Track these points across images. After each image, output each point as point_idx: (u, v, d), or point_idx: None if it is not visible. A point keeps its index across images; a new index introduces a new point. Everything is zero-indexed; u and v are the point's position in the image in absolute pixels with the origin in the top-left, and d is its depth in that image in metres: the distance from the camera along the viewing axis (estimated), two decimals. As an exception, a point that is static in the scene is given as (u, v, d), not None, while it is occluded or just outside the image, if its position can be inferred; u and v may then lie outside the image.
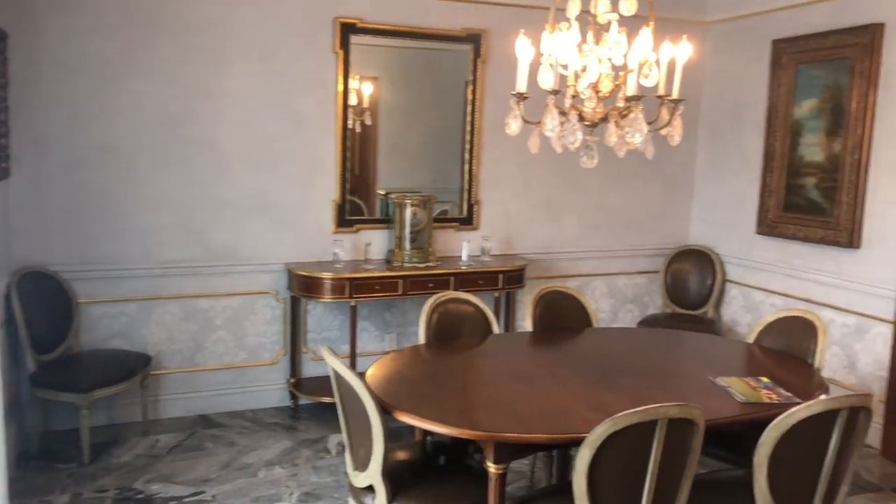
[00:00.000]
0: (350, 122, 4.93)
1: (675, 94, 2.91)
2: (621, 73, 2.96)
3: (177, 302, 4.68)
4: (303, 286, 4.66)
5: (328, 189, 4.93)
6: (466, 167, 5.27)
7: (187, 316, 4.72)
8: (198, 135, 4.59)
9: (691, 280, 5.75)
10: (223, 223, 4.72)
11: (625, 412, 2.29)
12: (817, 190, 4.87)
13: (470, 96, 5.19)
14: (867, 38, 4.47)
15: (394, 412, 2.68)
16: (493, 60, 5.15)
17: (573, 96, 2.95)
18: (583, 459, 2.33)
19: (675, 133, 2.93)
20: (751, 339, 3.77)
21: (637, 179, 5.76)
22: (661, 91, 2.92)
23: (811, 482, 2.56)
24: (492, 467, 2.57)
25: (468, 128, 5.21)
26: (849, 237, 4.64)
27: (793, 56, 5.01)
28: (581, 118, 2.95)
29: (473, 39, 5.12)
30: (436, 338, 3.65)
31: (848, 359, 4.67)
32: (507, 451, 2.59)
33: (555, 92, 2.82)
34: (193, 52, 4.51)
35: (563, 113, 2.89)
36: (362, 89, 5.01)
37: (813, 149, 4.89)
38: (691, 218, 6.02)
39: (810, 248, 4.95)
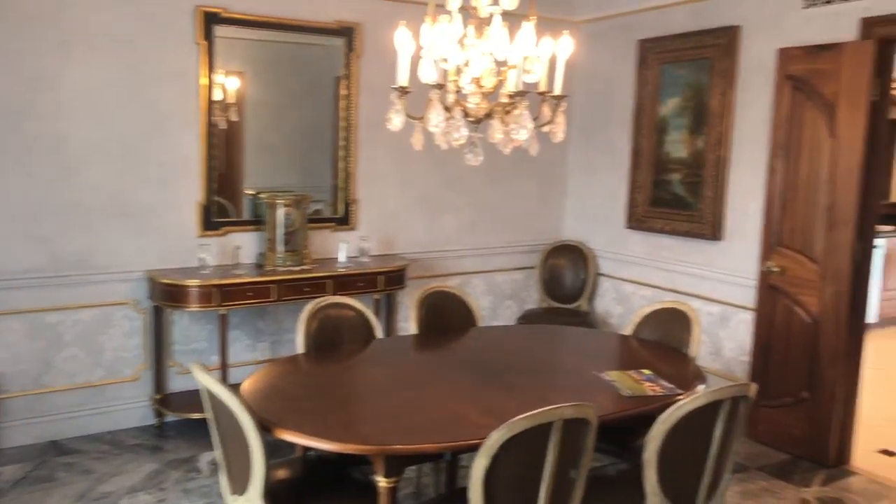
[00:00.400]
0: (215, 118, 4.61)
1: (557, 91, 2.88)
2: (503, 69, 2.90)
3: (20, 317, 4.20)
4: (166, 295, 4.31)
5: (192, 189, 4.60)
6: (342, 165, 5.08)
7: (33, 333, 4.25)
8: (41, 130, 4.14)
9: (566, 274, 5.85)
10: (74, 228, 4.29)
11: (520, 416, 2.22)
12: (682, 185, 5.07)
13: (344, 92, 5.00)
14: (726, 39, 4.69)
15: (274, 430, 2.48)
16: (369, 55, 5.00)
17: (456, 91, 2.86)
18: (479, 468, 2.24)
19: (559, 130, 2.90)
20: (629, 331, 3.85)
21: (513, 177, 5.79)
22: (543, 87, 2.89)
23: (697, 472, 2.61)
24: (382, 481, 2.44)
25: (343, 124, 5.03)
26: (712, 230, 4.85)
27: (658, 56, 5.19)
28: (465, 114, 2.86)
29: (346, 33, 4.94)
30: (316, 346, 3.46)
31: (714, 345, 4.89)
32: (398, 464, 2.47)
33: (439, 86, 2.71)
34: (32, 40, 4.05)
35: (446, 109, 2.79)
36: (227, 84, 4.70)
37: (678, 146, 5.09)
38: (565, 214, 6.13)
39: (677, 241, 5.14)
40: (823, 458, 4.20)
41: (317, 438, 2.44)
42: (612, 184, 5.67)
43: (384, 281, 4.86)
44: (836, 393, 4.15)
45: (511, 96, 2.86)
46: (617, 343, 3.84)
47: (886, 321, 7.49)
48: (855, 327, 4.15)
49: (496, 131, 2.83)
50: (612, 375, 3.10)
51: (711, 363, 4.90)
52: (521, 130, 2.71)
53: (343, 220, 5.15)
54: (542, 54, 2.85)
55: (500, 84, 2.94)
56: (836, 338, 4.11)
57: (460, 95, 2.89)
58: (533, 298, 6.03)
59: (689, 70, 4.97)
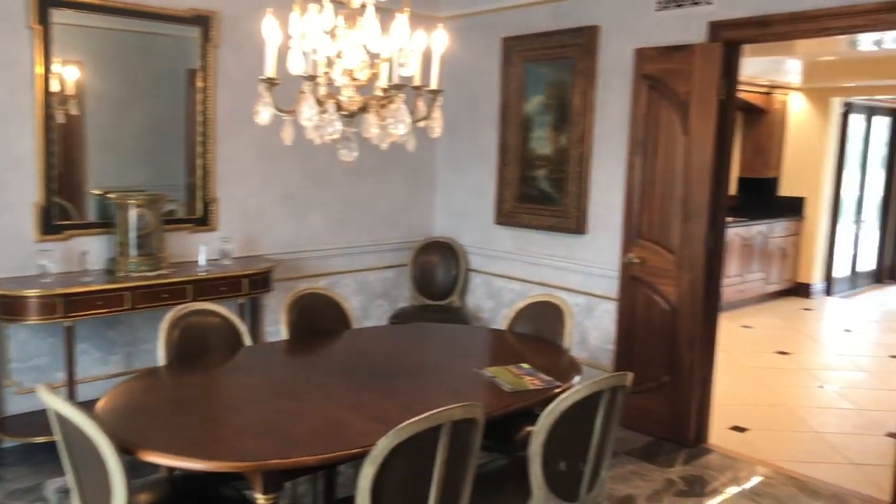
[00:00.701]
0: (52, 111, 4.19)
1: (433, 85, 2.82)
2: (377, 61, 2.81)
3: None
4: (0, 308, 3.87)
5: (28, 190, 4.15)
6: (200, 161, 4.78)
7: None
8: None
9: (438, 271, 5.84)
10: None
11: (409, 421, 2.14)
12: (548, 181, 5.18)
13: (200, 84, 4.70)
14: (585, 39, 4.84)
15: (138, 452, 2.26)
16: (227, 45, 4.73)
17: (328, 84, 2.74)
18: (366, 476, 2.14)
19: (436, 125, 2.84)
20: (504, 325, 3.87)
21: (381, 173, 5.70)
22: (418, 81, 2.82)
23: (580, 462, 2.64)
24: (261, 499, 2.28)
25: (200, 119, 4.73)
26: (577, 224, 5.00)
27: (521, 54, 5.27)
28: (339, 108, 2.74)
29: (202, 21, 4.64)
30: (179, 357, 3.21)
31: (580, 335, 5.04)
32: (278, 479, 2.32)
33: (311, 78, 2.57)
34: None
35: (319, 102, 2.66)
36: (66, 74, 4.28)
37: (543, 142, 5.20)
38: (435, 210, 6.12)
39: (544, 236, 5.26)
40: (684, 438, 4.43)
41: (187, 458, 2.25)
42: (480, 180, 5.71)
43: (249, 284, 4.63)
44: (694, 375, 4.39)
45: (386, 90, 2.77)
46: (493, 338, 3.85)
47: (728, 306, 8.07)
48: (709, 313, 4.41)
49: (372, 126, 2.73)
50: (492, 371, 3.09)
51: (578, 352, 5.03)
52: (399, 125, 2.63)
53: (202, 221, 4.85)
54: (416, 47, 2.78)
55: (373, 77, 2.85)
56: (693, 323, 4.35)
57: (333, 88, 2.77)
58: (405, 296, 5.98)
59: (551, 68, 5.09)
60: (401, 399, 2.78)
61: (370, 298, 5.80)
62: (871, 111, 9.62)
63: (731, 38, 4.17)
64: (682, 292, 4.37)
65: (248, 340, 3.46)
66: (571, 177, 5.01)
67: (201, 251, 4.60)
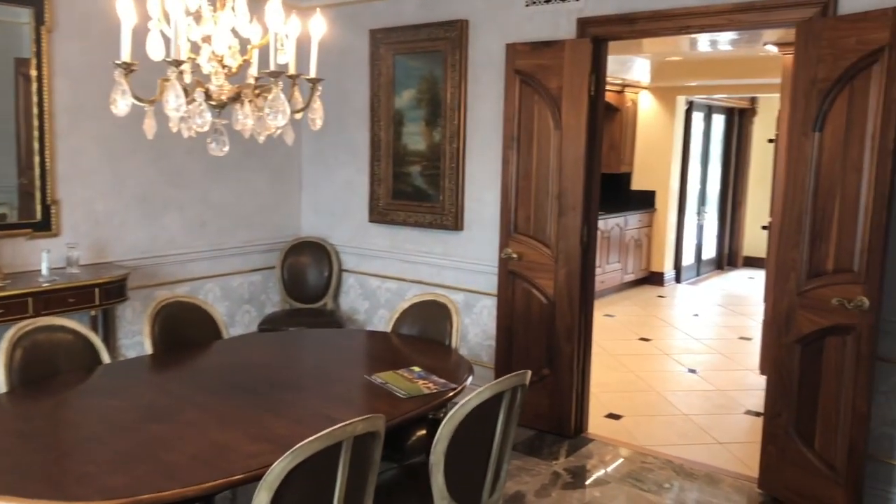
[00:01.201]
0: None
1: (312, 73, 2.63)
2: (249, 47, 2.58)
3: None
4: None
5: None
6: (38, 160, 4.26)
7: None
8: None
9: (309, 273, 5.59)
10: None
11: (307, 440, 1.95)
12: (422, 177, 5.09)
13: (34, 73, 4.19)
14: (455, 32, 4.77)
15: (-20, 499, 1.92)
16: (65, 29, 4.24)
17: (194, 71, 2.48)
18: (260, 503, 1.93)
19: (317, 116, 2.65)
20: (388, 327, 3.73)
21: (243, 171, 5.37)
22: (293, 69, 2.61)
23: (482, 467, 2.55)
24: (138, 539, 2.01)
25: (36, 112, 4.22)
26: (454, 220, 4.94)
27: (390, 47, 5.13)
28: (207, 97, 2.49)
29: (34, 3, 4.13)
30: (23, 381, 2.82)
31: (460, 332, 4.98)
32: (156, 514, 2.05)
33: (176, 63, 2.30)
34: None
35: (185, 91, 2.39)
36: None
37: (415, 138, 5.09)
38: (303, 209, 5.85)
39: (420, 233, 5.16)
40: (566, 429, 4.48)
41: (42, 501, 1.93)
42: (351, 177, 5.52)
43: (101, 294, 4.19)
44: (573, 367, 4.44)
45: (258, 78, 2.55)
46: (379, 342, 3.68)
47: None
48: (585, 304, 4.49)
49: (247, 117, 2.50)
50: (384, 377, 2.94)
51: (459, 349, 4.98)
52: (278, 115, 2.41)
53: (42, 226, 4.33)
54: (291, 33, 2.58)
55: (245, 65, 2.62)
56: (571, 315, 4.40)
57: (200, 76, 2.51)
58: (274, 301, 5.68)
59: (422, 62, 4.99)
60: (290, 414, 2.57)
61: (236, 304, 5.46)
62: (709, 109, 10.32)
63: (598, 35, 4.25)
64: (560, 285, 4.41)
65: (106, 357, 3.10)
66: (446, 173, 4.93)
67: (43, 259, 4.11)
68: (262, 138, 2.56)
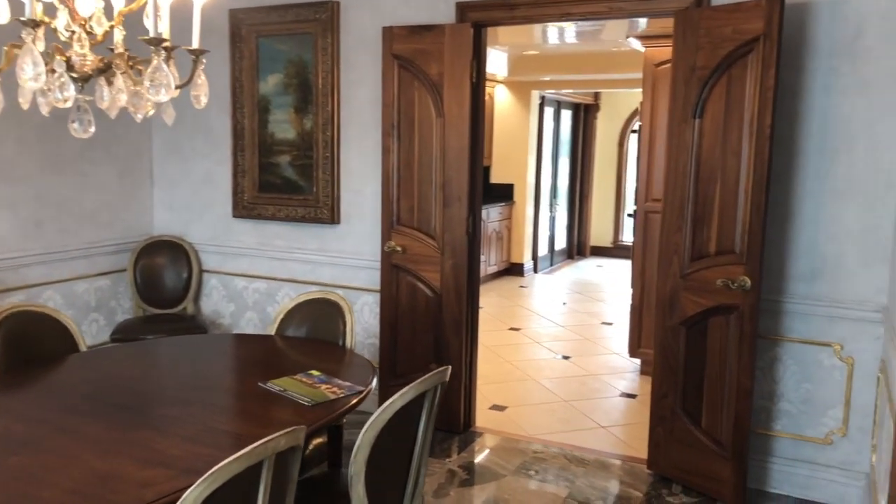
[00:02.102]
0: None
1: (195, 44, 2.31)
2: (120, 11, 2.22)
3: None
4: None
5: None
6: None
7: None
8: None
9: (165, 275, 5.09)
10: None
11: (225, 461, 1.67)
12: (293, 168, 4.77)
13: None
14: (325, 14, 4.51)
15: None
16: None
17: (48, 38, 2.09)
18: (168, 543, 1.63)
19: (202, 93, 2.33)
20: (271, 330, 3.43)
21: (85, 163, 4.78)
22: (170, 40, 2.28)
23: (404, 472, 2.36)
24: None
25: None
26: (329, 213, 4.67)
27: (253, 28, 4.77)
28: (69, 68, 2.11)
29: None
30: None
31: (354, 332, 4.73)
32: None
33: (34, 24, 1.92)
34: None
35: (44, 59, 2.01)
36: None
37: (284, 126, 4.76)
38: (155, 205, 5.33)
39: (292, 228, 4.84)
40: (455, 425, 4.37)
41: None
42: (211, 169, 5.09)
43: (-82, 307, 3.54)
44: (462, 361, 4.34)
45: (122, 53, 2.20)
46: (262, 346, 3.36)
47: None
48: (471, 296, 4.39)
49: (120, 91, 2.14)
50: (280, 384, 2.67)
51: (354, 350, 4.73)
52: (161, 90, 2.08)
53: None
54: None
55: (110, 32, 2.26)
56: (458, 308, 4.29)
57: (61, 43, 2.12)
58: (125, 307, 5.12)
59: (290, 45, 4.67)
60: (179, 431, 2.25)
61: (82, 313, 4.86)
62: (558, 105, 10.66)
63: (479, 20, 4.16)
64: (447, 278, 4.29)
65: (-64, 382, 2.59)
66: (320, 163, 4.66)
67: None
68: (139, 117, 2.21)
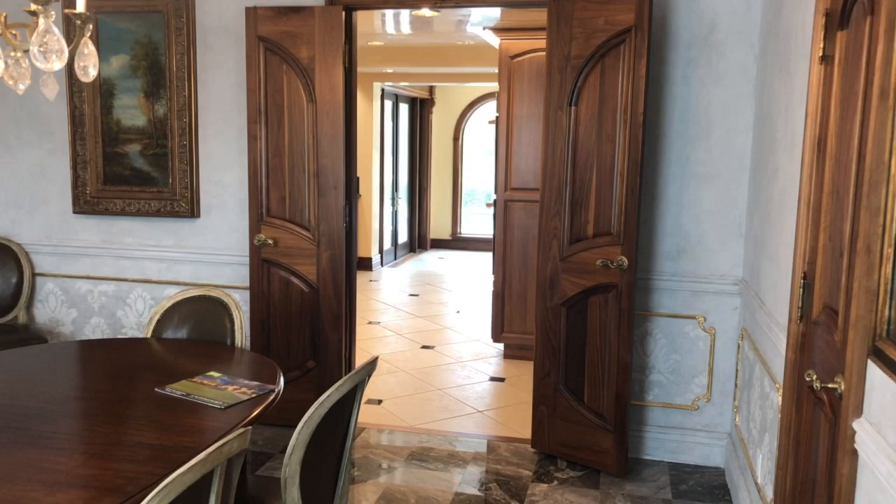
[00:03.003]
0: None
1: (81, 7, 2.03)
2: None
3: None
4: None
5: None
6: None
7: None
8: None
9: (-10, 281, 4.48)
10: None
11: (178, 472, 1.48)
12: (144, 158, 4.37)
13: None
14: (179, -8, 4.17)
15: None
16: None
17: None
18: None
19: (90, 63, 2.05)
20: (146, 332, 3.12)
21: None
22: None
23: (333, 471, 2.24)
24: None
25: None
26: (188, 206, 4.33)
27: (91, 3, 4.29)
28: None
29: None
30: None
31: (245, 329, 4.41)
32: None
33: None
34: None
35: None
36: None
37: (132, 112, 4.34)
38: (-28, 203, 4.66)
39: (145, 223, 4.44)
40: (336, 422, 4.23)
41: None
42: (42, 159, 4.53)
43: None
44: (341, 356, 4.20)
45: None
46: (140, 350, 3.04)
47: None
48: (349, 288, 4.27)
49: (-4, 57, 1.83)
50: (180, 388, 2.43)
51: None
52: (52, 56, 1.80)
53: None
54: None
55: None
56: (337, 302, 4.15)
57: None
58: (-59, 319, 4.44)
59: (136, 24, 4.26)
60: (82, 447, 1.97)
61: None
62: (396, 98, 10.67)
63: (349, 3, 4.04)
64: (323, 271, 4.13)
65: None
66: (176, 152, 4.30)
67: None
68: (21, 88, 1.90)
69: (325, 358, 4.19)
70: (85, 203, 4.47)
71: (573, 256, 3.76)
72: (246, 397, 2.37)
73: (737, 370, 3.72)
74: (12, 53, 1.83)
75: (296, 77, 4.02)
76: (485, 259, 11.08)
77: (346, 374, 4.16)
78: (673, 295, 3.84)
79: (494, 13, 5.48)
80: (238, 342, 3.02)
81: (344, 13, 3.98)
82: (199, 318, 3.10)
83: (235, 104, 4.20)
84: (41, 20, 1.79)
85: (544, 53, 5.38)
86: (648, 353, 3.90)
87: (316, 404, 2.03)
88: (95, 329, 4.58)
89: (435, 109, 12.02)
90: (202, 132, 4.29)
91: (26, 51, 1.86)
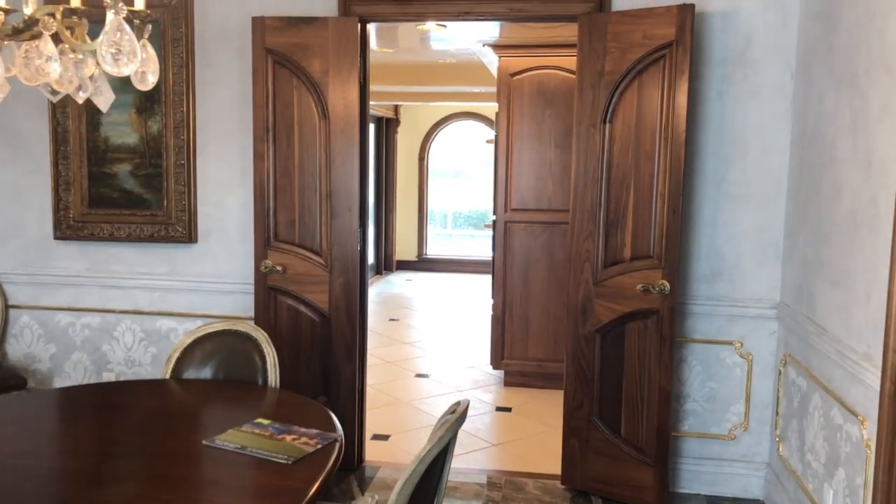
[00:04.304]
0: None
1: (140, 4, 1.75)
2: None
3: None
4: None
5: None
6: None
7: None
8: None
9: (-42, 315, 4.03)
10: None
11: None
12: (135, 178, 4.02)
13: None
14: (176, 0, 3.87)
15: None
16: None
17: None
18: None
19: (150, 69, 1.77)
20: (166, 373, 2.79)
21: None
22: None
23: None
24: None
25: None
26: (185, 231, 4.00)
27: (81, 12, 3.95)
28: None
29: None
30: None
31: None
32: None
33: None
34: None
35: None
36: None
37: (122, 129, 4.00)
38: (-64, 228, 4.21)
39: (135, 250, 4.07)
40: (350, 462, 3.92)
41: None
42: (18, 180, 4.13)
43: None
44: (355, 389, 3.91)
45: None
46: (165, 394, 2.70)
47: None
48: (362, 317, 4.00)
49: (50, 59, 1.54)
50: (231, 439, 2.13)
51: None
52: (127, 58, 1.52)
53: None
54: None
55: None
56: (351, 331, 3.87)
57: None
58: None
59: (128, 33, 3.93)
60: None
61: None
62: (366, 117, 10.41)
63: (365, 15, 3.80)
64: (336, 298, 3.85)
65: None
66: (172, 172, 3.97)
67: None
68: (81, 97, 1.61)
69: (338, 392, 3.90)
70: (67, 228, 4.08)
71: (608, 281, 3.58)
72: (312, 448, 2.08)
73: (778, 397, 3.59)
74: (71, 55, 1.54)
75: (307, 92, 3.75)
76: (453, 280, 10.90)
77: (357, 411, 3.90)
78: (708, 320, 3.70)
79: (492, 31, 5.31)
80: (271, 381, 2.72)
81: (359, 25, 3.74)
82: (225, 355, 2.80)
83: (238, 121, 3.91)
84: (109, 16, 1.51)
85: (545, 71, 5.38)
86: (683, 381, 3.74)
87: (417, 459, 1.77)
88: (77, 365, 4.17)
89: (400, 129, 11.81)
90: (201, 151, 3.97)
91: (81, 53, 1.56)
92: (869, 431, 2.51)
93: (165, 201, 3.99)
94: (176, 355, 2.80)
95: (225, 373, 2.78)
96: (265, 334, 2.82)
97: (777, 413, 3.60)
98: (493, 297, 5.58)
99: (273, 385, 2.71)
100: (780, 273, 3.61)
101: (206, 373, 2.78)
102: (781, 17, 3.50)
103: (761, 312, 3.64)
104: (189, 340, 2.83)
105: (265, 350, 2.77)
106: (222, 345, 2.82)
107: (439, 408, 5.00)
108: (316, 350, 3.89)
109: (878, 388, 2.39)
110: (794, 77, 3.50)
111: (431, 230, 12.47)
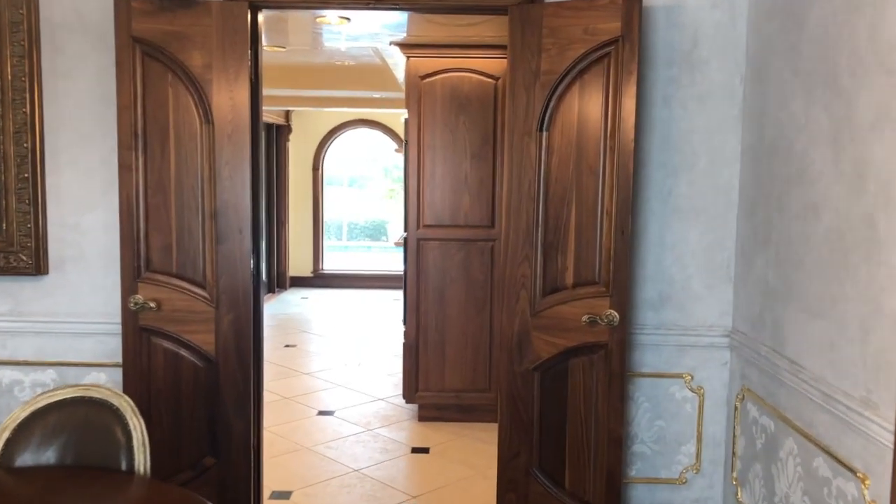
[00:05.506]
0: None
1: None
2: None
3: None
4: None
5: None
6: None
7: None
8: None
9: None
10: None
11: None
12: (-37, 195, 3.21)
13: None
14: (15, -27, 3.11)
15: None
16: None
17: None
18: None
19: None
20: (-10, 461, 2.07)
21: None
22: None
23: None
24: None
25: None
26: (31, 260, 3.22)
27: None
28: None
29: None
30: None
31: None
32: None
33: None
34: None
35: None
36: None
37: (-55, 133, 3.18)
38: None
39: (-35, 284, 3.26)
40: (246, 534, 3.27)
41: None
42: None
43: None
44: (248, 447, 3.26)
45: None
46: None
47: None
48: (257, 359, 3.36)
49: None
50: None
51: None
52: None
53: None
54: None
55: None
56: (243, 377, 3.22)
57: None
58: None
59: (-49, 13, 3.14)
60: None
61: None
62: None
63: (255, 1, 3.18)
64: (225, 339, 3.19)
65: None
66: (14, 187, 3.18)
67: None
68: None
69: (229, 451, 3.23)
70: None
71: (548, 311, 3.12)
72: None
73: (734, 435, 3.23)
74: None
75: (185, 90, 3.09)
76: (352, 297, 10.27)
77: (251, 471, 3.25)
78: (656, 351, 3.30)
79: (399, 28, 4.79)
80: (139, 465, 2.06)
81: (249, 12, 3.12)
82: (77, 431, 2.11)
83: (99, 124, 3.19)
84: None
85: (459, 74, 4.90)
86: (630, 421, 3.32)
87: None
88: None
89: (292, 136, 11.08)
90: (51, 161, 3.22)
91: None
92: (873, 492, 2.14)
93: (5, 224, 3.21)
94: (6, 434, 2.09)
95: (75, 456, 2.08)
96: (131, 402, 2.15)
97: (734, 453, 3.23)
98: (404, 324, 5.04)
99: (141, 471, 2.05)
100: (731, 297, 3.26)
101: (50, 457, 2.08)
102: (730, 14, 3.16)
103: (713, 341, 3.27)
104: (25, 413, 2.12)
105: (130, 423, 2.11)
106: (73, 417, 2.13)
107: (348, 452, 4.42)
108: (200, 402, 3.21)
109: (887, 443, 2.03)
110: (745, 81, 3.16)
111: (326, 243, 11.81)
